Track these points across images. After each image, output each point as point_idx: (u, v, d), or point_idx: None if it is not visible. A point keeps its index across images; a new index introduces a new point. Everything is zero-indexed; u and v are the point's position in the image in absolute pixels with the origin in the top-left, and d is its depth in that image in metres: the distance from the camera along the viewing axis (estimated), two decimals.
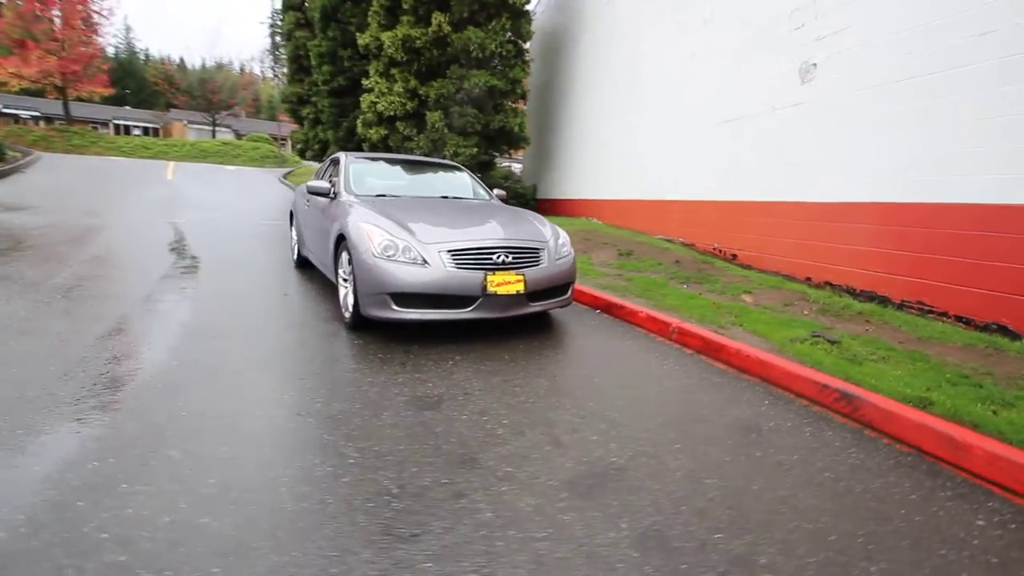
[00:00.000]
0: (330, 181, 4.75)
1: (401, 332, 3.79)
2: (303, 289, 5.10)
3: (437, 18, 11.01)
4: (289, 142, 42.44)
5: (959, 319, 4.03)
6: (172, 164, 21.96)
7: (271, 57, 55.29)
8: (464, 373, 3.12)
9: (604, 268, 6.55)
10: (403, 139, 11.84)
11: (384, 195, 4.57)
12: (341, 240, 3.97)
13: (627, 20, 9.35)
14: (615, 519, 1.80)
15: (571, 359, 3.56)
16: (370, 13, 12.41)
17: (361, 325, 3.77)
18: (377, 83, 12.06)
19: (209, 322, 3.85)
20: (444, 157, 11.65)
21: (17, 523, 1.61)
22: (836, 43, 5.17)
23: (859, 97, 4.96)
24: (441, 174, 5.41)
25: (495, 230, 3.87)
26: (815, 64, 5.39)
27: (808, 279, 5.41)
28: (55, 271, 5.15)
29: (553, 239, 4.09)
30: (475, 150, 11.90)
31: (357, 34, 12.74)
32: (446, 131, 11.45)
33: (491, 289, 3.54)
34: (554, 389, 2.96)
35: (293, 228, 6.35)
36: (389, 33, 11.55)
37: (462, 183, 5.25)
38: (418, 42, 11.19)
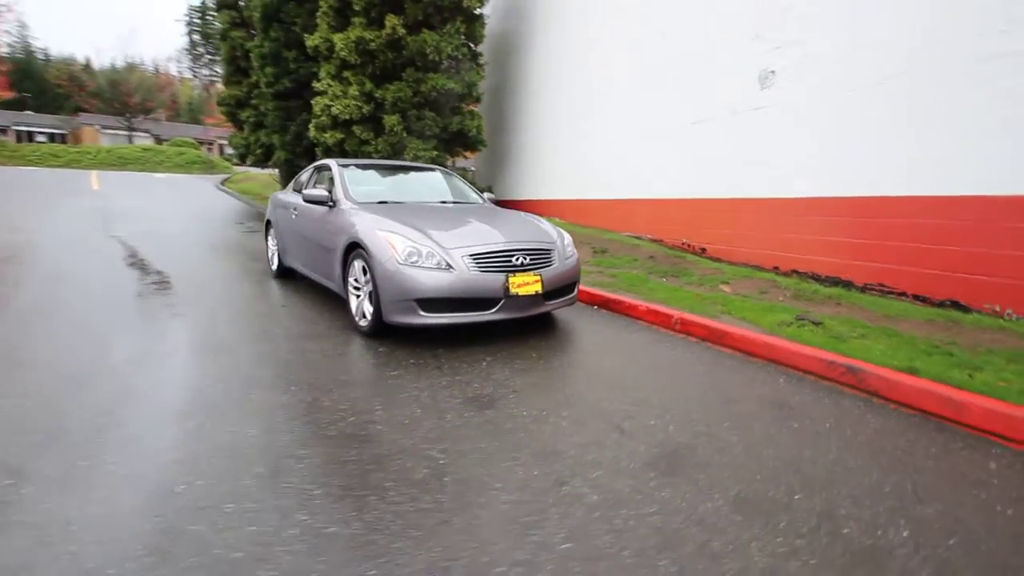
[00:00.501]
0: (327, 189, 4.68)
1: (420, 336, 3.83)
2: (297, 299, 4.99)
3: (391, 21, 10.92)
4: (217, 146, 40.18)
5: (916, 297, 4.58)
6: (95, 173, 20.30)
7: (190, 57, 52.11)
8: (502, 372, 3.23)
9: (585, 266, 6.81)
10: (360, 143, 11.64)
11: (386, 202, 4.57)
12: (352, 249, 3.96)
13: (581, 28, 9.68)
14: (707, 490, 2.00)
15: (595, 353, 3.75)
16: (318, 14, 12.10)
17: (379, 332, 3.78)
18: (330, 86, 11.78)
19: (218, 337, 3.73)
20: (405, 160, 11.57)
21: None
22: (791, 54, 5.68)
23: (815, 102, 5.48)
24: (433, 179, 5.45)
25: (509, 233, 3.99)
26: (773, 72, 5.89)
27: (776, 268, 5.90)
28: (10, 294, 4.75)
29: (559, 240, 4.27)
30: (435, 153, 11.90)
31: (305, 35, 12.38)
32: (405, 135, 11.37)
33: (513, 290, 3.67)
34: (594, 382, 3.13)
35: (270, 238, 6.17)
36: (341, 35, 11.33)
37: (456, 187, 5.32)
38: (372, 44, 11.05)
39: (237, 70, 16.26)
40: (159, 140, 37.32)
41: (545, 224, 4.44)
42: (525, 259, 3.79)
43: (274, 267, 6.04)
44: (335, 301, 4.91)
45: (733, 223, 6.51)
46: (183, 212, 12.86)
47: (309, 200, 4.59)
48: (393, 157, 11.67)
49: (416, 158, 11.45)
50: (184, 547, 1.61)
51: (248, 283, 5.71)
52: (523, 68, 12.34)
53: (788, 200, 5.79)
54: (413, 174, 5.44)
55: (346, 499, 1.87)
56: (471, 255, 3.62)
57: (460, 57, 11.68)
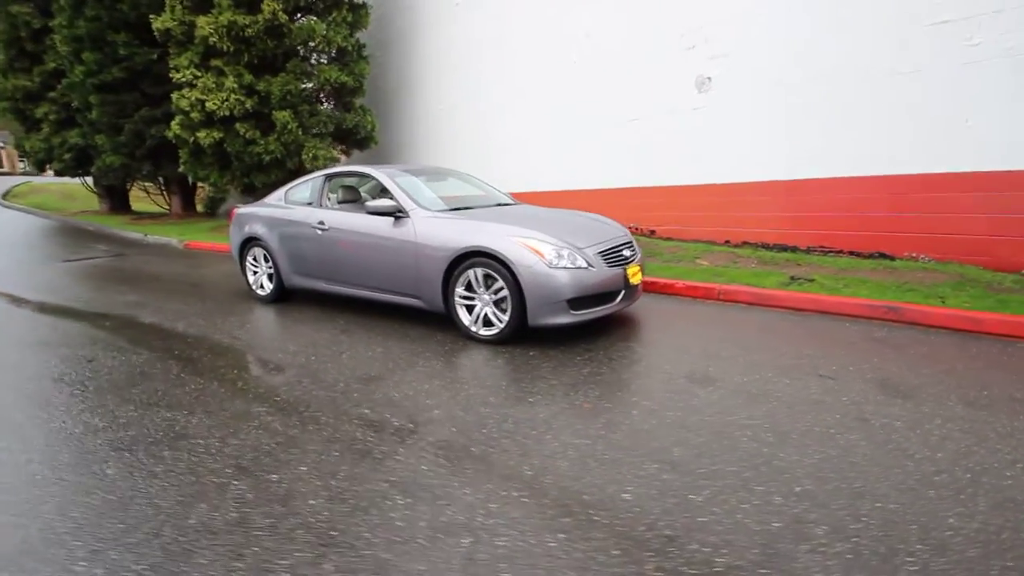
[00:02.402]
0: (391, 199, 4.33)
1: (530, 338, 3.94)
2: (354, 319, 4.57)
3: (270, 5, 9.82)
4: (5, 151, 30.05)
5: (852, 253, 6.07)
6: None
7: None
8: (647, 360, 3.62)
9: None
10: (245, 143, 10.29)
11: (459, 208, 4.46)
12: (464, 259, 3.86)
13: (496, 22, 9.94)
14: (865, 381, 2.73)
15: (683, 330, 4.30)
16: None
17: (506, 339, 3.80)
18: (198, 77, 10.14)
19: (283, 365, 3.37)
20: (302, 162, 10.61)
21: None
22: (725, 63, 6.84)
23: (748, 102, 6.72)
24: (458, 181, 5.34)
25: (602, 229, 4.29)
26: (710, 78, 7.01)
27: (727, 241, 7.11)
28: None
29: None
30: (333, 152, 11.11)
31: (151, 17, 10.35)
32: (300, 133, 10.40)
33: (631, 281, 4.03)
34: (731, 352, 3.70)
35: (254, 259, 5.39)
36: (207, 18, 9.83)
37: (488, 189, 5.32)
38: (248, 31, 9.82)
39: (21, 54, 12.74)
40: None
41: (605, 219, 4.81)
42: (630, 251, 4.17)
43: (266, 291, 5.33)
44: (395, 315, 4.63)
45: (679, 207, 7.58)
46: None
47: (373, 212, 4.27)
48: (288, 158, 10.60)
49: (315, 158, 10.58)
50: None
51: (238, 312, 4.99)
52: (421, 62, 12.03)
53: (731, 185, 7.01)
54: (444, 177, 5.27)
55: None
56: (599, 252, 3.86)
57: (350, 48, 11.02)
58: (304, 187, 5.16)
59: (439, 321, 4.36)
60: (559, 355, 3.58)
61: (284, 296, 5.31)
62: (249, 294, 5.64)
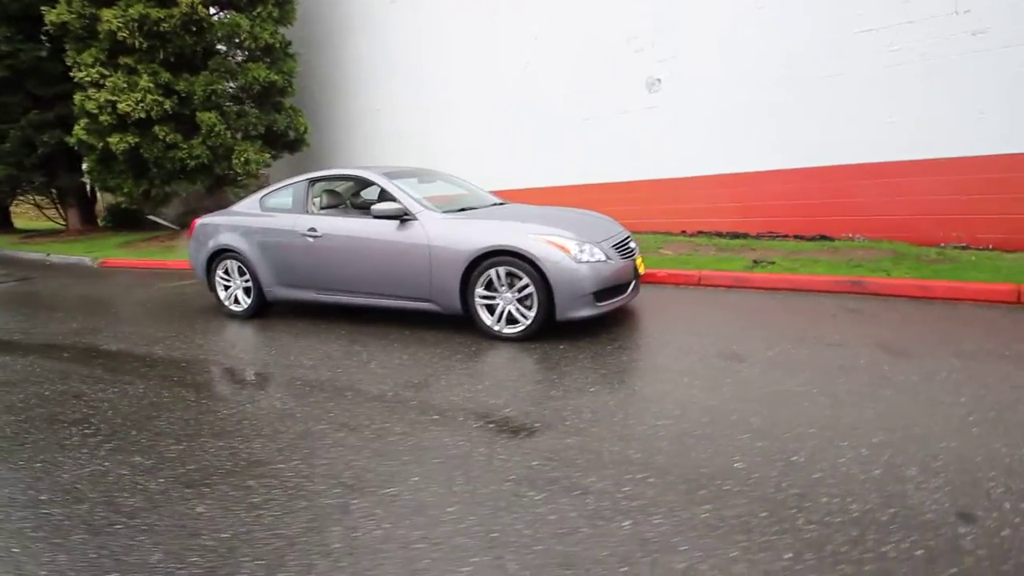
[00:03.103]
0: (394, 202, 4.20)
1: (558, 332, 4.02)
2: (355, 328, 4.38)
3: None
4: None
5: (797, 237, 6.73)
6: None
7: None
8: (673, 343, 3.87)
9: None
10: (166, 148, 9.41)
11: (464, 208, 4.43)
12: (484, 259, 3.85)
13: (439, 22, 9.83)
14: (864, 341, 3.17)
15: (684, 314, 4.61)
16: None
17: (530, 336, 3.85)
18: (105, 75, 9.10)
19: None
20: (232, 167, 9.92)
21: None
22: (673, 65, 7.30)
23: (697, 102, 7.22)
24: (451, 183, 5.26)
25: (608, 224, 4.45)
26: (659, 80, 7.45)
27: (683, 231, 7.61)
28: None
29: None
30: (267, 156, 10.47)
31: (43, 9, 9.11)
32: (228, 136, 9.69)
33: (639, 272, 4.25)
34: (741, 330, 4.02)
35: (225, 272, 4.99)
36: (112, 10, 8.90)
37: (475, 189, 5.30)
38: (163, 25, 9.00)
39: None
40: None
41: (598, 214, 4.97)
42: (634, 244, 4.37)
43: (242, 306, 4.96)
44: (395, 321, 4.49)
45: (633, 201, 7.97)
46: None
47: (380, 215, 4.13)
48: (216, 163, 9.83)
49: (247, 163, 9.92)
50: None
51: (219, 329, 4.63)
52: (348, 60, 11.58)
53: (684, 179, 7.50)
54: (432, 179, 5.16)
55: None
56: (613, 246, 4.02)
57: (276, 45, 10.43)
58: (283, 193, 4.86)
59: (450, 324, 4.32)
60: (589, 346, 3.70)
61: (262, 310, 4.99)
62: (219, 310, 5.23)
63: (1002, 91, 5.29)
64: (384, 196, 4.38)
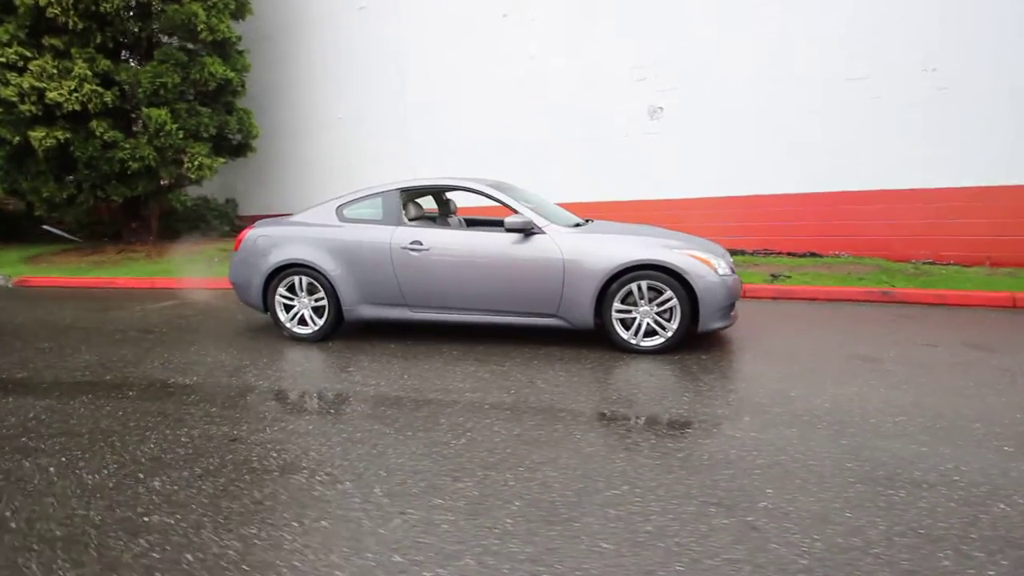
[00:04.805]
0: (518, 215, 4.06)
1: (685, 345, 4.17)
2: (459, 348, 4.11)
3: None
4: None
5: (789, 254, 7.56)
6: None
7: None
8: (792, 351, 4.20)
9: None
10: (103, 146, 8.03)
11: (579, 223, 4.41)
12: (620, 275, 3.88)
13: (418, 34, 9.56)
14: (904, 340, 3.80)
15: (765, 325, 4.94)
16: None
17: (668, 349, 3.94)
18: (27, 57, 7.56)
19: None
20: (185, 171, 8.79)
21: None
22: (674, 95, 7.89)
23: (694, 130, 7.86)
24: (526, 194, 5.16)
25: (709, 242, 4.68)
26: (661, 108, 7.99)
27: None
28: None
29: None
30: (221, 160, 9.38)
31: None
32: (180, 136, 8.56)
33: None
34: (835, 336, 4.47)
35: (283, 289, 4.42)
36: None
37: (549, 203, 5.25)
38: (105, 5, 7.78)
39: None
40: None
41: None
42: None
43: (310, 328, 4.44)
44: (501, 339, 4.30)
45: (633, 219, 8.41)
46: None
47: (512, 229, 3.97)
48: (163, 167, 8.60)
49: (199, 168, 8.82)
50: None
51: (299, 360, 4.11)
52: (305, 63, 10.76)
53: (678, 200, 8.09)
54: (515, 193, 4.99)
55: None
56: (727, 263, 4.27)
57: (233, 39, 9.48)
58: (369, 203, 4.44)
59: (569, 338, 4.26)
60: (722, 358, 3.87)
61: (332, 330, 4.49)
62: (272, 333, 4.62)
63: (960, 134, 6.51)
64: (443, 209, 4.27)
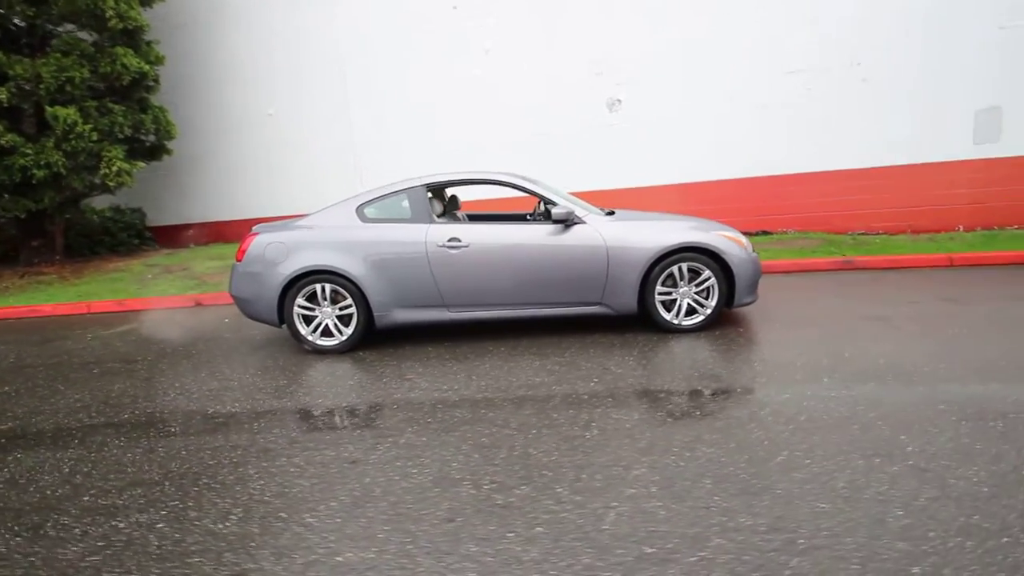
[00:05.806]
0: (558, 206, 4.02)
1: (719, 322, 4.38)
2: (509, 344, 4.00)
3: None
4: None
5: (745, 232, 8.16)
6: None
7: None
8: (821, 318, 4.58)
9: None
10: (0, 152, 6.79)
11: (613, 211, 4.46)
12: (662, 259, 4.00)
13: (361, 23, 9.07)
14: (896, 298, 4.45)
15: (768, 298, 5.38)
16: None
17: (707, 325, 4.13)
18: None
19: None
20: (102, 178, 7.74)
21: None
22: (631, 88, 8.21)
23: (653, 121, 8.25)
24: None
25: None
26: (620, 100, 8.27)
27: None
28: None
29: None
30: (139, 164, 8.32)
31: None
32: (94, 138, 7.49)
33: None
34: (845, 302, 4.94)
35: (302, 299, 4.03)
36: None
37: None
38: None
39: None
40: None
41: None
42: None
43: (336, 339, 4.11)
44: (541, 330, 4.27)
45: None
46: None
47: (559, 220, 3.93)
48: (74, 174, 7.46)
49: (118, 174, 7.78)
50: None
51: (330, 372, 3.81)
52: (225, 55, 9.78)
53: (640, 188, 8.47)
54: (538, 185, 4.94)
55: None
56: (747, 241, 4.56)
57: (144, 28, 8.45)
58: (393, 201, 4.17)
59: (605, 325, 4.32)
60: (758, 330, 4.15)
61: (362, 338, 4.18)
62: (285, 348, 4.22)
63: (879, 121, 7.45)
64: (449, 205, 4.32)
